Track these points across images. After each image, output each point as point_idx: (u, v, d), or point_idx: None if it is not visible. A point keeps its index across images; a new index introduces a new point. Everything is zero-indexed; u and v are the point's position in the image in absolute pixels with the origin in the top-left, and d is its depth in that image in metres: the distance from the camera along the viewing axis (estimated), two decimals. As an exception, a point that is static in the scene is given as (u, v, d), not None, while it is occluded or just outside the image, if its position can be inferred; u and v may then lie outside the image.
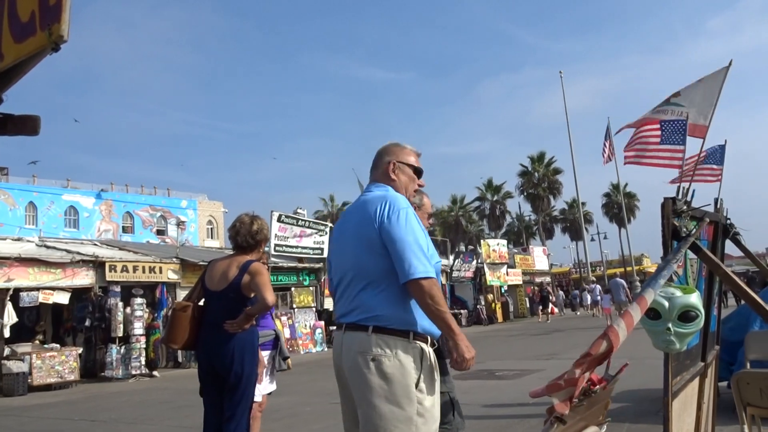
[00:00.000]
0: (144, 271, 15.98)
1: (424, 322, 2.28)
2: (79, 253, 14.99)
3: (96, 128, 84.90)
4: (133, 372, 13.54)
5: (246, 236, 3.67)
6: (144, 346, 14.04)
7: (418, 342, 2.26)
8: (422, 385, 2.22)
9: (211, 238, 44.84)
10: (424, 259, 2.23)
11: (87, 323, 14.20)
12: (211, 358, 3.56)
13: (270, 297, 3.51)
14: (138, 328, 13.98)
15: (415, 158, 2.68)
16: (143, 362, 13.83)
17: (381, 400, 2.17)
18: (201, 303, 3.74)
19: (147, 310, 14.84)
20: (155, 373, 14.00)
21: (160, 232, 41.73)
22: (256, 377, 3.70)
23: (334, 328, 2.54)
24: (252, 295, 3.57)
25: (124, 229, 40.39)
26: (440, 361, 2.65)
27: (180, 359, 15.68)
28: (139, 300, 14.32)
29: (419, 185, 2.67)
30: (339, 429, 2.57)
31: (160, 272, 16.39)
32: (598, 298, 24.48)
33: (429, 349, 2.31)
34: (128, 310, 14.14)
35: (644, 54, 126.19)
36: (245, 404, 3.57)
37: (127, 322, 13.98)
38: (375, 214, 2.32)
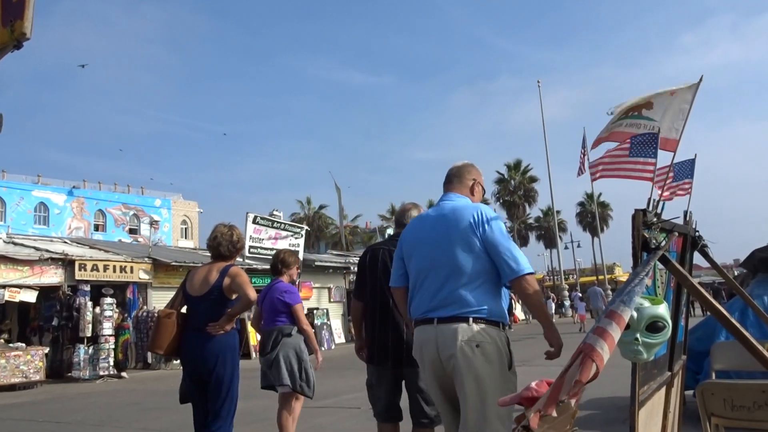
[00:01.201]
0: (115, 271, 15.73)
1: (505, 314, 2.71)
2: (48, 251, 14.70)
3: (70, 124, 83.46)
4: (101, 373, 13.30)
5: (228, 246, 3.88)
6: (113, 346, 13.81)
7: (504, 331, 2.66)
8: (513, 366, 2.66)
9: (185, 238, 44.31)
10: (523, 259, 2.62)
11: (54, 322, 13.93)
12: (194, 361, 3.70)
13: (252, 294, 3.69)
14: (107, 328, 13.74)
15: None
16: (111, 363, 13.59)
17: (486, 378, 2.52)
18: (183, 310, 3.86)
19: (117, 311, 14.61)
20: (124, 374, 13.77)
21: (133, 231, 41.12)
22: (238, 379, 3.82)
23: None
24: (233, 296, 3.74)
25: (96, 227, 39.71)
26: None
27: (149, 360, 15.45)
28: (108, 300, 14.09)
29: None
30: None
31: (132, 272, 16.14)
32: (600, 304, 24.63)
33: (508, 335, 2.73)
34: (97, 309, 13.89)
35: (619, 67, 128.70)
36: (229, 405, 3.72)
37: (96, 322, 13.73)
38: (474, 220, 2.67)
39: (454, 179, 3.00)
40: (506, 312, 2.74)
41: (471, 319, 2.57)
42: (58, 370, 13.81)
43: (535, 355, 14.45)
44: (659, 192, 3.96)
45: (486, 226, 2.65)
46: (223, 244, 3.87)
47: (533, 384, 1.82)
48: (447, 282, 2.65)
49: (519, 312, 32.55)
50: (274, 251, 21.58)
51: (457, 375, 2.56)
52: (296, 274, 5.07)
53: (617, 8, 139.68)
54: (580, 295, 26.54)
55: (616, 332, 1.69)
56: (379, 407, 3.60)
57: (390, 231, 40.98)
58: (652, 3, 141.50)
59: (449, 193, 2.94)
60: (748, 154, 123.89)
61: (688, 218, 3.78)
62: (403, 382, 3.59)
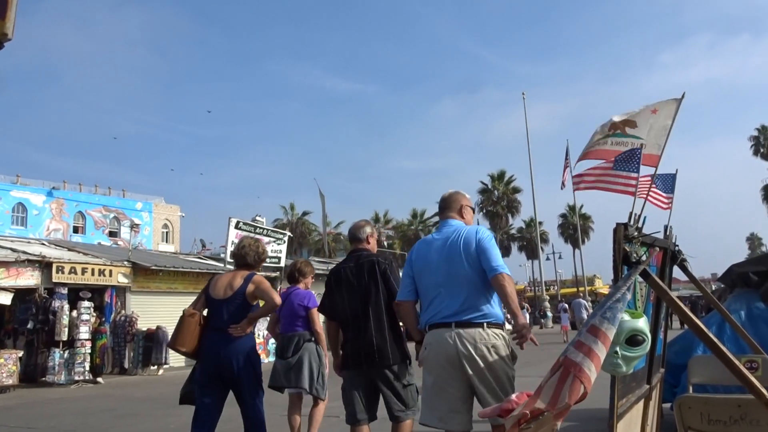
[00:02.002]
0: (93, 274, 15.51)
1: (502, 314, 3.22)
2: (25, 252, 14.46)
3: (51, 125, 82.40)
4: (76, 378, 13.07)
5: (254, 256, 4.23)
6: (89, 351, 13.58)
7: (504, 330, 3.17)
8: (515, 356, 3.21)
9: (166, 242, 43.82)
10: (504, 264, 3.13)
11: (29, 325, 13.65)
12: (216, 361, 3.91)
13: (277, 299, 4.09)
14: (84, 332, 13.53)
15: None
16: (87, 368, 13.37)
17: (499, 371, 3.05)
18: (204, 313, 4.13)
19: (94, 314, 14.39)
20: (100, 379, 13.56)
21: (113, 234, 40.57)
22: (261, 375, 4.10)
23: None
24: (254, 302, 4.05)
25: (75, 230, 39.11)
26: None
27: (126, 365, 15.23)
28: (86, 303, 13.88)
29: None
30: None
31: (110, 275, 15.94)
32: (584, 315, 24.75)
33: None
34: (74, 313, 13.68)
35: (601, 82, 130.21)
36: (257, 395, 4.04)
37: (72, 325, 13.51)
38: (476, 239, 3.22)
39: (446, 208, 3.52)
40: (501, 313, 3.24)
41: (485, 324, 3.09)
42: (32, 374, 13.55)
43: (517, 364, 14.48)
44: (642, 194, 4.00)
45: (482, 242, 3.20)
46: (250, 255, 4.22)
47: (513, 396, 1.83)
48: (461, 292, 3.14)
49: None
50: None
51: (476, 371, 3.04)
52: (311, 282, 5.44)
53: (599, 25, 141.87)
54: (566, 306, 26.83)
55: (602, 352, 1.70)
56: (356, 410, 3.81)
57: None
58: (632, 21, 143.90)
59: (447, 219, 3.46)
60: (726, 170, 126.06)
61: (668, 233, 3.83)
62: (376, 383, 3.81)
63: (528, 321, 29.11)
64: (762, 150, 55.00)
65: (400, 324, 3.87)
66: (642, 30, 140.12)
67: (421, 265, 3.36)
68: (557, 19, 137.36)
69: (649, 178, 4.54)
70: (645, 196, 3.89)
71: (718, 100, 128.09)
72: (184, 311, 4.06)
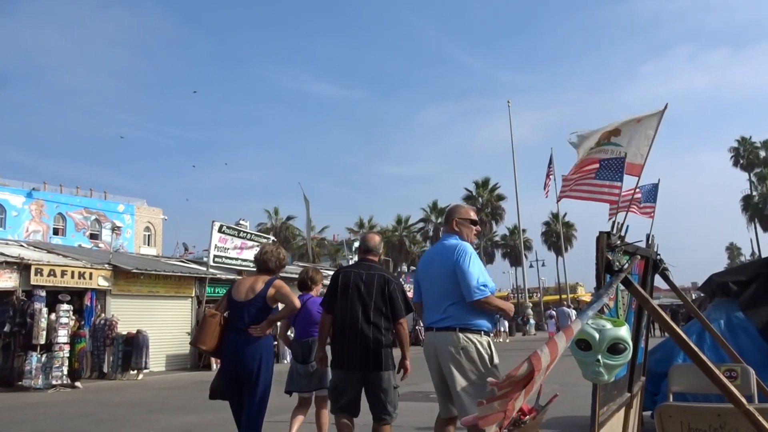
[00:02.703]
0: (73, 276, 15.29)
1: (486, 322, 3.56)
2: (3, 254, 14.22)
3: (32, 125, 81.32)
4: (54, 382, 12.85)
5: (275, 261, 4.47)
6: (67, 355, 13.37)
7: (484, 335, 3.53)
8: (495, 359, 3.51)
9: (148, 245, 43.39)
10: (479, 285, 3.47)
11: (6, 328, 13.39)
12: (234, 360, 4.15)
13: (297, 302, 4.35)
14: (62, 335, 13.30)
15: (472, 213, 3.97)
16: (65, 372, 13.14)
17: (469, 372, 3.43)
18: (225, 315, 4.34)
19: (73, 318, 14.17)
20: (78, 384, 13.34)
21: (94, 237, 40.07)
22: (272, 374, 4.31)
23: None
24: (274, 306, 4.29)
25: (55, 231, 38.57)
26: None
27: (106, 370, 15.02)
28: (65, 306, 13.64)
29: (476, 230, 3.97)
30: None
31: (90, 278, 15.73)
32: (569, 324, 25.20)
33: (490, 339, 3.58)
34: (53, 316, 13.46)
35: (584, 92, 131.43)
36: (264, 398, 4.21)
37: (50, 329, 13.28)
38: (454, 256, 3.59)
39: (444, 222, 4.03)
40: (487, 321, 3.56)
41: (457, 329, 3.48)
42: (7, 378, 13.28)
43: (507, 370, 14.52)
44: (624, 206, 4.04)
45: (458, 264, 3.55)
46: (272, 260, 4.45)
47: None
48: (441, 301, 3.60)
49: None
50: (239, 260, 21.30)
51: (447, 370, 3.48)
52: (320, 288, 5.67)
53: (581, 36, 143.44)
54: (553, 313, 27.18)
55: (561, 340, 1.72)
56: (343, 402, 4.19)
57: (356, 244, 40.93)
58: (614, 33, 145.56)
59: (444, 234, 3.95)
60: (707, 181, 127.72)
61: (650, 242, 3.86)
62: (368, 385, 4.20)
63: (506, 329, 29.92)
64: (742, 161, 55.94)
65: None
66: (624, 41, 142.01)
67: (420, 275, 3.98)
68: (541, 29, 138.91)
69: (632, 191, 4.58)
70: (626, 208, 3.92)
71: (699, 112, 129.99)
72: (205, 311, 4.30)
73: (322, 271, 7.47)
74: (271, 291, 4.22)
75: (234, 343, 4.16)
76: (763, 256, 40.11)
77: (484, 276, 3.57)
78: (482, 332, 3.52)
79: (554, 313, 27.25)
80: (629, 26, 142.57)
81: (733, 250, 79.97)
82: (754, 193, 54.81)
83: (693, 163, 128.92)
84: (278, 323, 5.17)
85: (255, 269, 4.51)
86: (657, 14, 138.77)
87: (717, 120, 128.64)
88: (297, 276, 5.80)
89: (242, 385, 4.19)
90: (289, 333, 5.64)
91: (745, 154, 55.77)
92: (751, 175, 55.71)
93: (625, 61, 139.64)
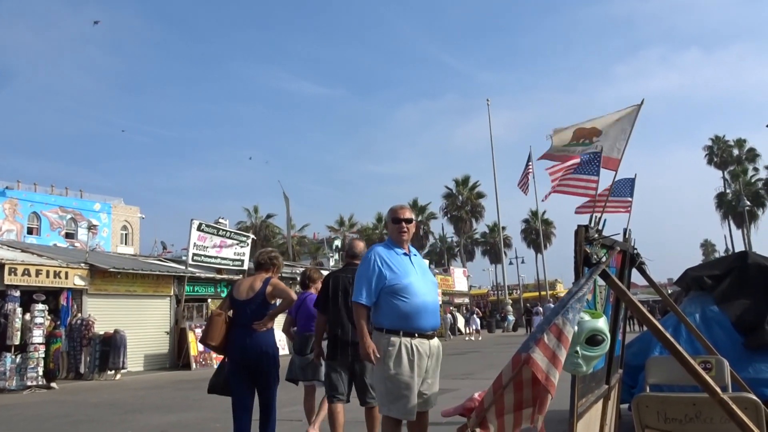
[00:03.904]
0: (48, 276, 15.04)
1: (385, 320, 3.68)
2: (-25, 254, 13.92)
3: (4, 123, 79.73)
4: (29, 383, 12.63)
5: (266, 259, 4.85)
6: (43, 355, 13.15)
7: (385, 334, 3.66)
8: (388, 355, 3.63)
9: (125, 244, 42.80)
10: (357, 290, 3.73)
11: (-21, 329, 13.14)
12: (242, 352, 4.56)
13: (293, 295, 4.82)
14: (37, 336, 13.08)
15: (398, 213, 3.91)
16: (41, 373, 12.93)
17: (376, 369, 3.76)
18: (230, 313, 4.76)
19: (48, 318, 13.94)
20: (53, 384, 13.12)
21: (70, 236, 39.41)
22: (279, 365, 4.74)
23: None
24: (273, 302, 4.68)
25: (30, 231, 37.83)
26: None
27: (82, 370, 14.80)
28: (40, 306, 13.42)
29: (401, 230, 3.87)
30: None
31: (66, 278, 15.48)
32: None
33: (395, 337, 3.66)
34: (27, 316, 13.22)
35: (559, 91, 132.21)
36: (275, 383, 4.69)
37: (25, 329, 13.05)
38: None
39: None
40: (385, 319, 3.67)
41: (373, 327, 3.73)
42: (-19, 379, 13.03)
43: (479, 368, 14.64)
44: (600, 207, 4.09)
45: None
46: (263, 255, 4.91)
47: (476, 395, 1.83)
48: None
49: (462, 326, 32.99)
50: (218, 259, 21.09)
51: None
52: (319, 286, 5.98)
53: (556, 37, 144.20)
54: (540, 309, 27.58)
55: (563, 356, 1.74)
56: (339, 390, 4.81)
57: (337, 243, 40.87)
58: (587, 33, 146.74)
59: None
60: (682, 178, 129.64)
61: (627, 236, 3.91)
62: (354, 376, 4.83)
63: (477, 327, 30.21)
64: (716, 159, 56.95)
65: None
66: (597, 42, 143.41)
67: None
68: (516, 29, 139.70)
69: (609, 190, 4.64)
70: (602, 209, 3.97)
71: (673, 111, 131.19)
72: (212, 311, 4.72)
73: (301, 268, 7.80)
74: (268, 289, 4.63)
75: (241, 338, 4.56)
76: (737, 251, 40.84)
77: (360, 283, 3.73)
78: (384, 330, 3.65)
79: (541, 309, 27.62)
80: (603, 27, 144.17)
81: (707, 246, 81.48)
82: (728, 190, 55.85)
83: (668, 161, 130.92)
84: (284, 320, 5.64)
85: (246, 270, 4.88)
86: (630, 15, 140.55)
87: (690, 119, 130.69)
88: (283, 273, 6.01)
89: (249, 375, 4.59)
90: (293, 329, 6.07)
91: (719, 153, 56.80)
92: (725, 172, 56.77)
93: (600, 61, 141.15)
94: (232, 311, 4.74)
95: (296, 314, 5.87)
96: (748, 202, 46.48)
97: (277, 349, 4.78)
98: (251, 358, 4.54)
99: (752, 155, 55.91)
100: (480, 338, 29.63)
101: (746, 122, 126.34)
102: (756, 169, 55.19)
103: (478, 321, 31.64)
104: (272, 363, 4.64)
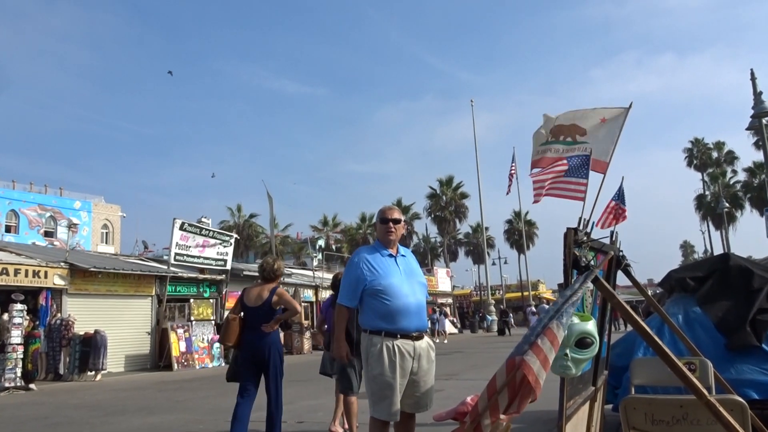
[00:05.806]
0: (27, 275, 14.81)
1: (371, 321, 3.70)
2: (-49, 252, 13.66)
3: (-19, 118, 78.27)
4: (7, 384, 12.41)
5: (270, 272, 5.52)
6: (21, 356, 12.93)
7: (369, 335, 3.69)
8: (371, 356, 3.67)
9: (106, 243, 42.28)
10: (341, 293, 3.79)
11: (-45, 330, 12.89)
12: (252, 350, 5.33)
13: (298, 306, 5.54)
14: (15, 336, 12.85)
15: (386, 213, 3.91)
16: (19, 374, 12.71)
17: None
18: (241, 315, 5.48)
19: (27, 318, 13.72)
20: (32, 386, 12.91)
21: (49, 234, 38.85)
22: (283, 361, 5.50)
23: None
24: (278, 308, 5.35)
25: (8, 229, 37.20)
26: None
27: (62, 371, 14.58)
28: (18, 306, 13.19)
29: (388, 230, 3.86)
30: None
31: (46, 277, 15.25)
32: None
33: (379, 338, 3.66)
34: (5, 316, 13.00)
35: (538, 94, 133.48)
36: (280, 380, 5.38)
37: (3, 329, 12.84)
38: None
39: None
40: (370, 320, 3.67)
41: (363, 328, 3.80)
42: (-43, 381, 12.79)
43: (463, 368, 14.69)
44: (607, 223, 4.11)
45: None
46: (267, 270, 5.52)
47: (468, 399, 1.82)
48: None
49: (449, 327, 33.01)
50: (201, 259, 20.90)
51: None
52: None
53: (534, 40, 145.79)
54: (534, 310, 27.78)
55: (551, 353, 1.73)
56: (353, 384, 5.53)
57: (321, 243, 40.77)
58: (565, 37, 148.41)
59: None
60: (662, 180, 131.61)
61: (613, 238, 3.94)
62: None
63: (445, 329, 29.83)
64: (695, 161, 57.70)
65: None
66: (576, 45, 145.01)
67: None
68: (495, 32, 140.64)
69: (614, 203, 4.65)
70: (610, 220, 3.96)
71: (651, 113, 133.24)
72: (228, 316, 5.55)
73: (285, 269, 8.07)
74: (274, 298, 5.35)
75: (251, 338, 5.34)
76: (716, 253, 41.48)
77: (343, 285, 3.79)
78: (368, 331, 3.68)
79: (535, 309, 27.85)
80: (580, 31, 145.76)
81: (687, 247, 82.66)
82: (707, 192, 56.60)
83: (649, 163, 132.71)
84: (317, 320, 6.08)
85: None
86: (606, 20, 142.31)
87: (669, 122, 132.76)
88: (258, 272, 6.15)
89: (258, 368, 5.33)
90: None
91: (698, 155, 57.55)
92: (704, 175, 57.53)
93: (578, 64, 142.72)
94: (243, 315, 5.45)
95: (326, 313, 6.39)
96: (727, 204, 47.13)
97: (282, 346, 5.56)
98: (260, 355, 5.30)
99: (731, 158, 56.73)
100: (446, 341, 27.28)
101: (724, 125, 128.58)
102: (734, 171, 56.01)
103: (446, 322, 31.00)
104: (278, 358, 5.37)
